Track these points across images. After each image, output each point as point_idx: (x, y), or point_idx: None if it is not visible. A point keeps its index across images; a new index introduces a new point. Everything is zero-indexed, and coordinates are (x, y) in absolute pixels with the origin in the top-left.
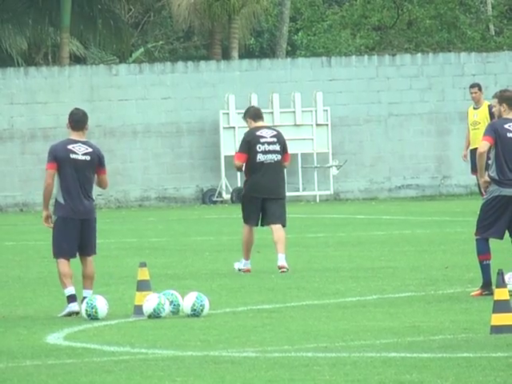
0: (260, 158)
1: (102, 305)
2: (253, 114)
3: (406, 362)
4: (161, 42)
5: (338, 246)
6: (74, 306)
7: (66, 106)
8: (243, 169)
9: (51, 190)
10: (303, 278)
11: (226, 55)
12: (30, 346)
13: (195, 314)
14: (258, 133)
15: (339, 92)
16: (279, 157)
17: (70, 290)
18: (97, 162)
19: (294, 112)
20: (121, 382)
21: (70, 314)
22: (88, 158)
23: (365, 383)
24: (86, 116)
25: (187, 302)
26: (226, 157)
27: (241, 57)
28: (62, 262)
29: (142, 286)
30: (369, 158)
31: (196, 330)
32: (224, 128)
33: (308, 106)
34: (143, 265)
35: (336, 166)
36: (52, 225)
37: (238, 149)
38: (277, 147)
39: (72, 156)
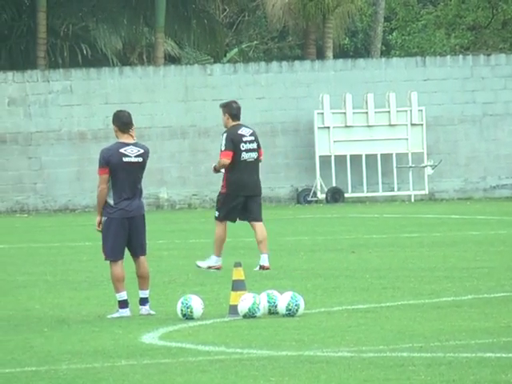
0: (244, 156)
1: (197, 305)
2: (234, 113)
3: (501, 362)
4: (255, 42)
5: (432, 245)
6: (125, 312)
7: (160, 106)
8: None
9: (105, 195)
10: (398, 277)
11: (320, 55)
12: (125, 346)
13: (290, 313)
14: (240, 131)
15: (434, 92)
16: (257, 154)
17: (123, 295)
18: (147, 162)
19: (388, 112)
20: (216, 382)
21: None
22: (140, 159)
23: (460, 383)
24: (131, 117)
25: (282, 302)
26: (320, 157)
27: (335, 57)
28: (115, 264)
29: (237, 285)
30: (463, 158)
31: (291, 329)
32: (319, 128)
33: (403, 105)
34: (238, 264)
35: (431, 166)
36: None
37: (223, 147)
38: (255, 145)
39: (125, 159)
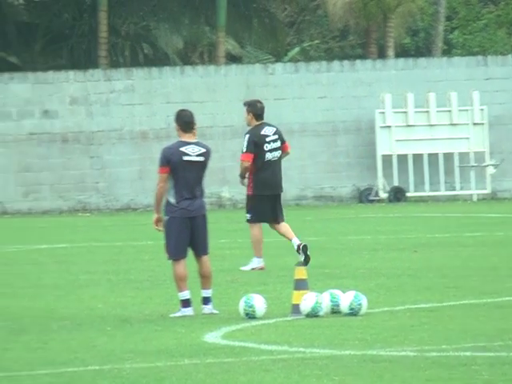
0: (268, 156)
1: (259, 304)
2: (258, 113)
3: None
4: (316, 41)
5: (495, 245)
6: (188, 311)
7: (222, 105)
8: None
9: (163, 193)
10: (461, 277)
11: (381, 54)
12: (188, 345)
13: (353, 312)
14: (263, 132)
15: (495, 91)
16: (280, 153)
17: (185, 295)
18: (208, 162)
19: (450, 111)
20: (279, 381)
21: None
22: (202, 158)
23: None
24: (193, 116)
25: (345, 301)
26: (382, 156)
27: (396, 56)
28: (178, 263)
29: (300, 285)
30: None
31: (354, 328)
32: (380, 127)
33: (464, 104)
34: (301, 264)
35: (493, 165)
36: (161, 228)
37: (244, 149)
38: (278, 144)
39: (185, 158)
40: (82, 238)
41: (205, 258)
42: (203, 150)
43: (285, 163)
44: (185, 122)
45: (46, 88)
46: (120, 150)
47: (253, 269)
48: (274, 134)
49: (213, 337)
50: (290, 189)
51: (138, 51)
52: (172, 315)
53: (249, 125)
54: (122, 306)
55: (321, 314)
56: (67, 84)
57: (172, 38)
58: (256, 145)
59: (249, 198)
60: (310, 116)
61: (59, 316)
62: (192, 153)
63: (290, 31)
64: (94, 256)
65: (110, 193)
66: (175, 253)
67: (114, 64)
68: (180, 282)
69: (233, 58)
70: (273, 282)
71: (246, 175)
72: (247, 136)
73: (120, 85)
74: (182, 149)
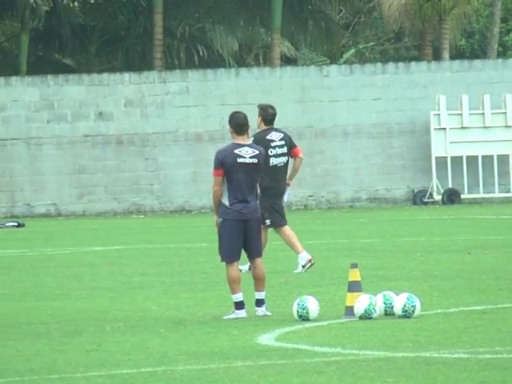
0: (273, 161)
1: (313, 306)
2: (268, 118)
3: None
4: (371, 43)
5: None
6: (241, 313)
7: (277, 107)
8: None
9: (219, 195)
10: None
11: (436, 56)
12: (241, 347)
13: (406, 314)
14: (269, 136)
15: None
16: (287, 159)
17: (239, 297)
18: (262, 164)
19: (505, 113)
20: (332, 383)
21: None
22: (255, 160)
23: None
24: (247, 118)
25: (398, 303)
26: (436, 158)
27: (451, 58)
28: (231, 265)
29: (353, 286)
30: None
31: (407, 330)
32: (435, 129)
33: None
34: (354, 266)
35: None
36: None
37: None
38: (285, 149)
39: (239, 160)
40: (136, 240)
41: (258, 261)
42: (257, 152)
43: (339, 165)
44: (238, 124)
45: (101, 90)
46: (174, 151)
47: (303, 266)
48: (280, 140)
49: (266, 339)
50: (344, 191)
51: (193, 53)
52: (225, 317)
53: (258, 127)
54: (175, 308)
55: (374, 315)
56: (122, 86)
57: (227, 40)
58: None
59: (262, 205)
60: (365, 118)
61: (113, 318)
62: (246, 155)
63: (345, 33)
64: (147, 258)
65: (165, 195)
66: (228, 255)
67: (169, 66)
68: (233, 284)
69: (288, 60)
70: (326, 284)
71: None
72: (252, 139)
73: (175, 87)
74: (236, 151)
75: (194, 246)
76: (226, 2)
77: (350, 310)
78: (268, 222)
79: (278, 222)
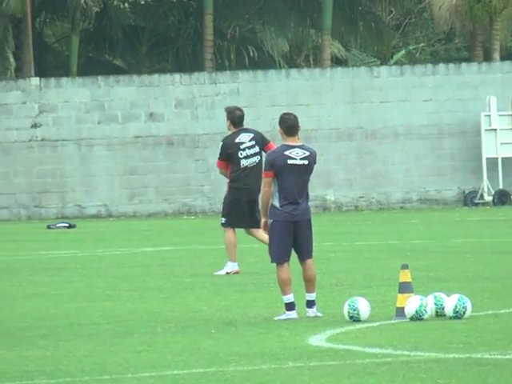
0: (243, 163)
1: (363, 307)
2: (236, 121)
3: None
4: (422, 44)
5: None
6: (292, 314)
7: (327, 109)
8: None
9: (269, 197)
10: None
11: (487, 57)
12: (292, 348)
13: (457, 316)
14: (237, 139)
15: None
16: (259, 158)
17: (289, 298)
18: (313, 165)
19: None
20: None
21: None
22: (306, 162)
23: None
24: (297, 120)
25: (449, 304)
26: (487, 159)
27: (502, 58)
28: (281, 266)
29: (404, 288)
30: None
31: (458, 332)
32: (485, 130)
33: None
34: (405, 267)
35: None
36: None
37: (218, 156)
38: (256, 149)
39: (290, 162)
40: (187, 241)
41: (309, 262)
42: (307, 154)
43: (389, 166)
44: (288, 125)
45: (152, 91)
46: None
47: (227, 273)
48: (250, 141)
49: (317, 340)
50: (394, 192)
51: (243, 54)
52: (276, 318)
53: (228, 129)
54: (226, 309)
55: (425, 317)
56: (173, 87)
57: (277, 41)
58: (230, 152)
59: (225, 202)
60: (415, 119)
61: (164, 319)
62: (296, 156)
63: (395, 34)
64: (198, 259)
65: (215, 196)
66: (278, 256)
67: (220, 67)
68: (284, 285)
69: (338, 61)
70: (377, 285)
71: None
72: (221, 144)
73: (225, 88)
74: (287, 152)
75: (244, 247)
76: (276, 3)
77: (400, 311)
78: (223, 220)
79: (227, 222)
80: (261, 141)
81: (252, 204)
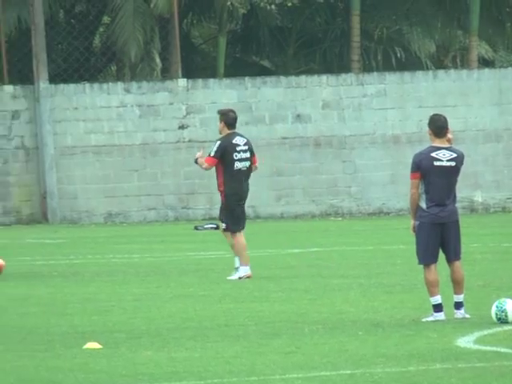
0: (237, 165)
1: (511, 308)
2: (230, 122)
3: None
4: None
5: None
6: (440, 316)
7: (474, 110)
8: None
9: (416, 199)
10: None
11: None
12: (439, 349)
13: None
14: (234, 141)
15: None
16: (250, 163)
17: (437, 299)
18: (460, 167)
19: None
20: None
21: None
22: (453, 163)
23: None
24: (447, 121)
25: None
26: None
27: None
28: (428, 268)
29: None
30: None
31: None
32: None
33: None
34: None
35: None
36: None
37: (212, 153)
38: (248, 154)
39: (436, 163)
40: (334, 242)
41: (457, 263)
42: (455, 155)
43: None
44: (437, 126)
45: (299, 92)
46: (372, 154)
47: (240, 278)
48: (244, 145)
49: (465, 341)
50: None
51: (390, 55)
52: (424, 319)
53: (220, 133)
54: (373, 311)
55: None
56: (320, 88)
57: (424, 42)
58: (226, 152)
59: (228, 210)
60: None
61: (311, 320)
62: (443, 158)
63: None
64: (345, 260)
65: (363, 197)
66: (424, 258)
67: (367, 68)
68: (431, 287)
69: (485, 62)
70: None
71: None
72: (218, 142)
73: (372, 89)
74: (433, 154)
75: (391, 248)
76: (423, 4)
77: None
78: (224, 225)
79: (232, 228)
80: (251, 149)
81: (243, 206)
